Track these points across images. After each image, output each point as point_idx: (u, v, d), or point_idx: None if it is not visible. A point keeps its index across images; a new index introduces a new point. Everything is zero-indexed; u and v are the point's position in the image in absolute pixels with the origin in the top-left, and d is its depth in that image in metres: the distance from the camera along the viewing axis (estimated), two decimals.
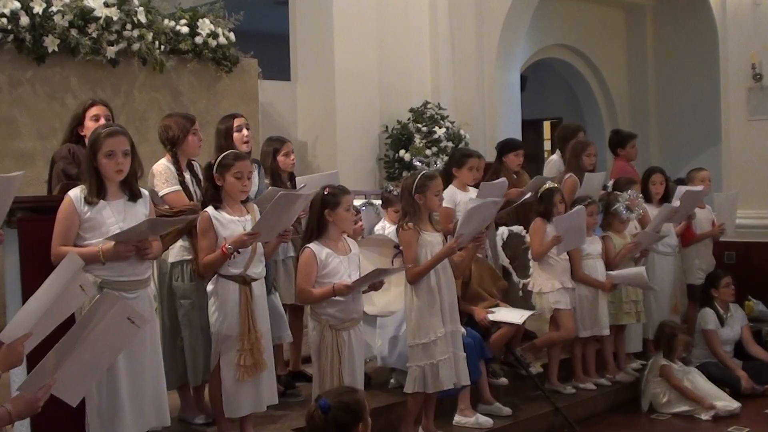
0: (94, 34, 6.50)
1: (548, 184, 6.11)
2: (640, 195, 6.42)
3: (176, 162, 4.63)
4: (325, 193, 4.37)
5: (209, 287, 4.32)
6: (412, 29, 9.50)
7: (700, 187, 6.85)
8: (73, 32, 6.40)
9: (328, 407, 2.83)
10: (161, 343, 4.19)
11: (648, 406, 6.17)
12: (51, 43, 6.31)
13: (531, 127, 12.69)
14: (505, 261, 5.94)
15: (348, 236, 4.55)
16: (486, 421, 5.24)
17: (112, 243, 3.72)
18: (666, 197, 6.78)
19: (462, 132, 9.19)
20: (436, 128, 8.95)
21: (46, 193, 4.65)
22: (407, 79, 9.40)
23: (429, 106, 9.18)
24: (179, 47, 7.14)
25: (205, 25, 7.29)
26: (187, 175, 4.67)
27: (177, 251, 4.53)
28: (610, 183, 6.84)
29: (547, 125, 13.89)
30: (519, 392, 5.83)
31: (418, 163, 8.57)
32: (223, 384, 4.26)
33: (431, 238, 4.75)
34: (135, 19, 6.73)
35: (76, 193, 3.80)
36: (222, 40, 7.44)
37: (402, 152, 8.86)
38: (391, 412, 5.04)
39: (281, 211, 4.23)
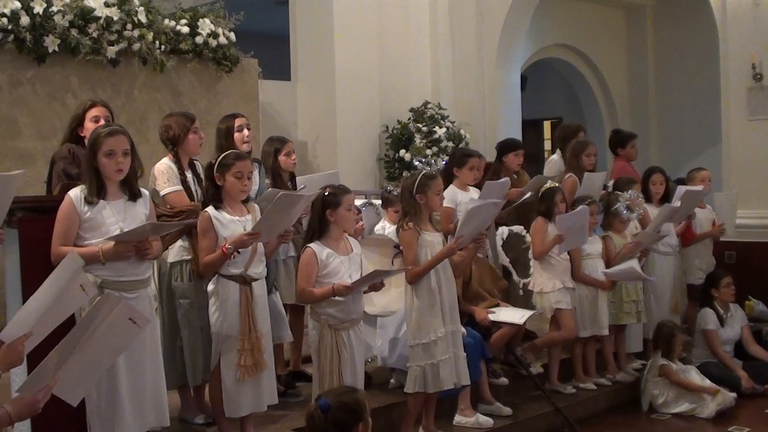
0: (95, 34, 6.50)
1: (549, 184, 6.10)
2: (641, 195, 6.41)
3: (178, 161, 4.63)
4: (326, 193, 4.37)
5: (210, 287, 4.32)
6: (412, 29, 9.51)
7: (700, 187, 6.85)
8: (74, 32, 6.41)
9: (328, 407, 2.83)
10: (161, 343, 4.20)
11: (648, 406, 6.17)
12: (51, 43, 6.31)
13: (531, 127, 12.70)
14: (505, 260, 5.94)
15: (349, 236, 4.55)
16: (486, 420, 5.24)
17: (112, 243, 3.72)
18: (666, 197, 6.78)
19: (462, 132, 9.19)
20: (437, 128, 8.95)
21: (46, 193, 4.65)
22: (407, 79, 9.41)
23: (429, 106, 9.18)
24: (179, 47, 7.14)
25: (206, 25, 7.30)
26: (189, 174, 4.67)
27: (176, 251, 4.54)
28: (611, 183, 6.83)
29: (547, 125, 13.89)
30: (519, 392, 5.83)
31: (418, 164, 8.56)
32: (224, 384, 4.26)
33: (431, 238, 4.75)
34: (135, 19, 6.73)
35: (76, 193, 3.80)
36: (222, 40, 7.45)
37: (402, 152, 8.87)
38: (391, 412, 5.04)
39: (281, 212, 4.23)
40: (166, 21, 7.08)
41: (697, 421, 5.93)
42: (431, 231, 4.78)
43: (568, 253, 5.98)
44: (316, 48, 8.96)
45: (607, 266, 6.19)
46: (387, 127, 9.13)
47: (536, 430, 5.54)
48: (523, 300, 5.96)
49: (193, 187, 4.65)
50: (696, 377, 6.17)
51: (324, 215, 4.35)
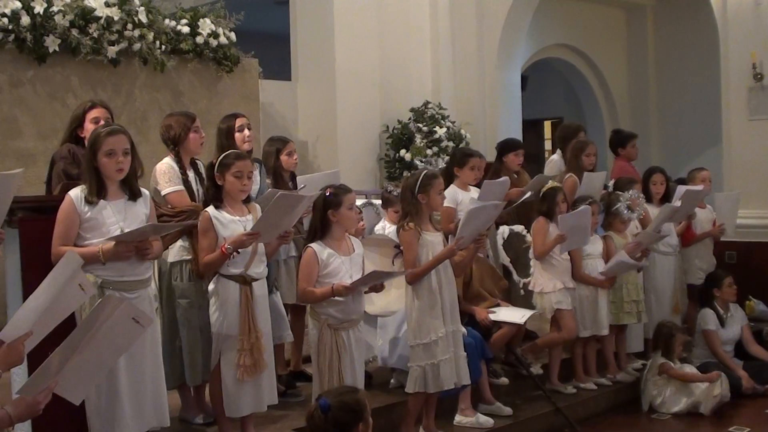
0: (95, 34, 6.51)
1: (550, 183, 6.10)
2: (642, 195, 6.41)
3: (179, 161, 4.63)
4: (328, 193, 4.37)
5: (210, 287, 4.33)
6: (412, 29, 9.50)
7: (700, 187, 6.85)
8: (74, 32, 6.41)
9: (328, 407, 2.83)
10: (161, 343, 4.20)
11: (648, 406, 6.16)
12: (52, 43, 6.32)
13: (532, 126, 12.70)
14: (506, 260, 5.95)
15: (351, 236, 4.55)
16: (487, 420, 5.24)
17: (113, 243, 3.72)
18: (666, 197, 6.78)
19: (463, 132, 9.19)
20: (437, 128, 8.95)
21: (46, 193, 4.65)
22: (408, 78, 9.40)
23: (430, 105, 9.18)
24: (180, 47, 7.14)
25: (206, 25, 7.30)
26: (191, 174, 4.68)
27: (176, 251, 4.54)
28: (611, 183, 6.83)
29: (547, 125, 13.88)
30: (520, 392, 5.83)
31: (420, 164, 8.56)
32: (224, 384, 4.26)
33: (432, 238, 4.74)
34: (136, 18, 6.73)
35: (76, 192, 3.80)
36: (223, 39, 7.45)
37: (403, 152, 8.86)
38: (391, 412, 5.04)
39: (281, 212, 4.23)
40: (167, 21, 7.08)
41: (697, 421, 5.94)
42: (432, 231, 4.77)
43: (569, 252, 5.98)
44: (316, 48, 8.96)
45: None
46: (387, 126, 9.12)
47: (537, 430, 5.53)
48: (524, 300, 5.96)
49: (194, 186, 4.65)
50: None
51: (326, 215, 4.35)
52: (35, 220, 3.92)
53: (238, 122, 5.20)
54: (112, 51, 6.61)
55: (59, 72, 6.52)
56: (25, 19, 6.17)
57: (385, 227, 5.65)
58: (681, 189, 6.75)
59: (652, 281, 6.62)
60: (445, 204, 5.27)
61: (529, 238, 5.99)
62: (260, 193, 5.05)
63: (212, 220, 4.23)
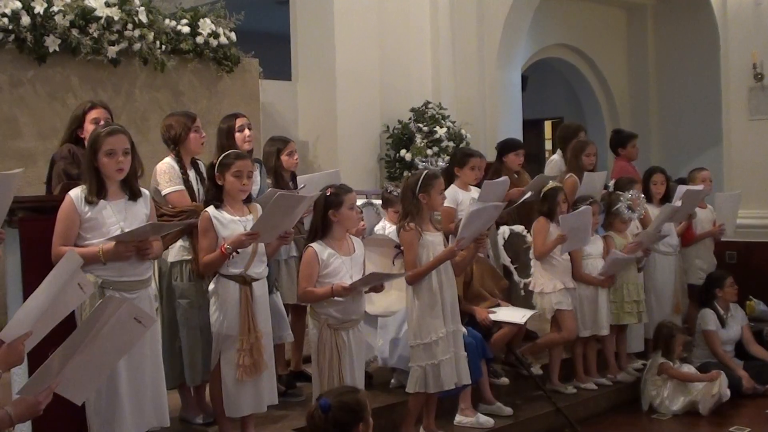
0: (95, 34, 6.51)
1: (551, 184, 6.10)
2: (642, 195, 6.41)
3: (180, 161, 4.63)
4: (328, 193, 4.37)
5: (210, 286, 4.32)
6: (413, 29, 9.51)
7: (700, 187, 6.85)
8: (74, 32, 6.41)
9: (328, 407, 2.83)
10: (161, 343, 4.19)
11: (648, 406, 6.16)
12: (52, 43, 6.32)
13: (532, 126, 12.69)
14: (506, 260, 5.94)
15: (352, 236, 4.55)
16: (487, 420, 5.24)
17: (113, 243, 3.73)
18: (667, 197, 6.78)
19: (463, 132, 9.19)
20: (437, 128, 8.95)
21: (46, 193, 4.65)
22: (408, 78, 9.40)
23: (430, 105, 9.18)
24: (180, 47, 7.15)
25: (206, 25, 7.30)
26: (191, 173, 4.67)
27: (176, 251, 4.54)
28: (612, 183, 6.83)
29: (548, 125, 13.88)
30: (520, 392, 5.83)
31: (421, 164, 8.56)
32: (224, 384, 4.26)
33: (432, 238, 4.74)
34: (136, 18, 6.73)
35: (76, 192, 3.80)
36: (223, 39, 7.45)
37: (403, 152, 8.86)
38: (392, 412, 5.04)
39: (281, 213, 4.22)
40: (167, 21, 7.08)
41: (697, 421, 5.93)
42: (432, 231, 4.77)
43: (569, 252, 5.97)
44: (316, 48, 8.96)
45: None
46: (388, 126, 9.13)
47: (537, 430, 5.53)
48: (524, 300, 5.96)
49: (195, 186, 4.65)
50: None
51: (326, 215, 4.34)
52: (35, 220, 3.92)
53: (239, 122, 5.20)
54: (112, 51, 6.61)
55: (59, 72, 6.52)
56: (26, 19, 6.17)
57: (386, 227, 5.64)
58: (681, 189, 6.75)
59: (653, 281, 6.61)
60: (446, 204, 5.26)
61: (529, 238, 5.98)
62: (260, 193, 5.05)
63: (212, 220, 4.23)
